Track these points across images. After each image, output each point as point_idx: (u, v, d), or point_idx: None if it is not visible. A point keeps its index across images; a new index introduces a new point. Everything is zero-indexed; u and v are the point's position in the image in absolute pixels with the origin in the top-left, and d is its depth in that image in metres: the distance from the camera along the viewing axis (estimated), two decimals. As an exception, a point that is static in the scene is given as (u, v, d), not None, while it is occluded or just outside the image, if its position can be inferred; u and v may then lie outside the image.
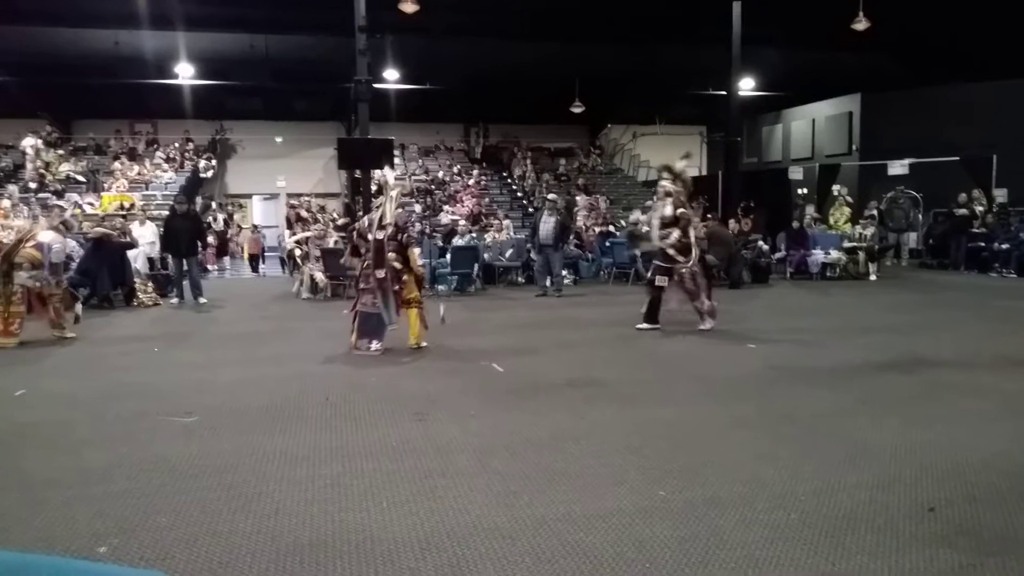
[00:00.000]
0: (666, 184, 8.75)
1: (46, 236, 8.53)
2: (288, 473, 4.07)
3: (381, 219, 7.38)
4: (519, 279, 14.57)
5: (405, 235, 7.57)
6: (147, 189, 20.43)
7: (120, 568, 2.23)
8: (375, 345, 7.33)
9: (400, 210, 7.50)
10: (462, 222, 16.39)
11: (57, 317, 8.40)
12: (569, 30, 19.62)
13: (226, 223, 20.43)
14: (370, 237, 7.36)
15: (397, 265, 7.28)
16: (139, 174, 21.18)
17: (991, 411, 5.19)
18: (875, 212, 16.90)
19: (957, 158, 17.79)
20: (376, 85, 18.04)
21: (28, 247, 8.32)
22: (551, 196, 14.00)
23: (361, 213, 17.37)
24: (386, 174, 8.08)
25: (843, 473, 3.99)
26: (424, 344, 7.64)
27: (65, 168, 20.36)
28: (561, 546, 3.15)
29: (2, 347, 7.90)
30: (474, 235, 15.22)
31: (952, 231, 16.20)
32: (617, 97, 25.25)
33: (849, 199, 17.47)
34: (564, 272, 13.34)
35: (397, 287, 7.31)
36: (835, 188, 18.05)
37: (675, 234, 8.48)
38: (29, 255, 8.27)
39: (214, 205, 20.61)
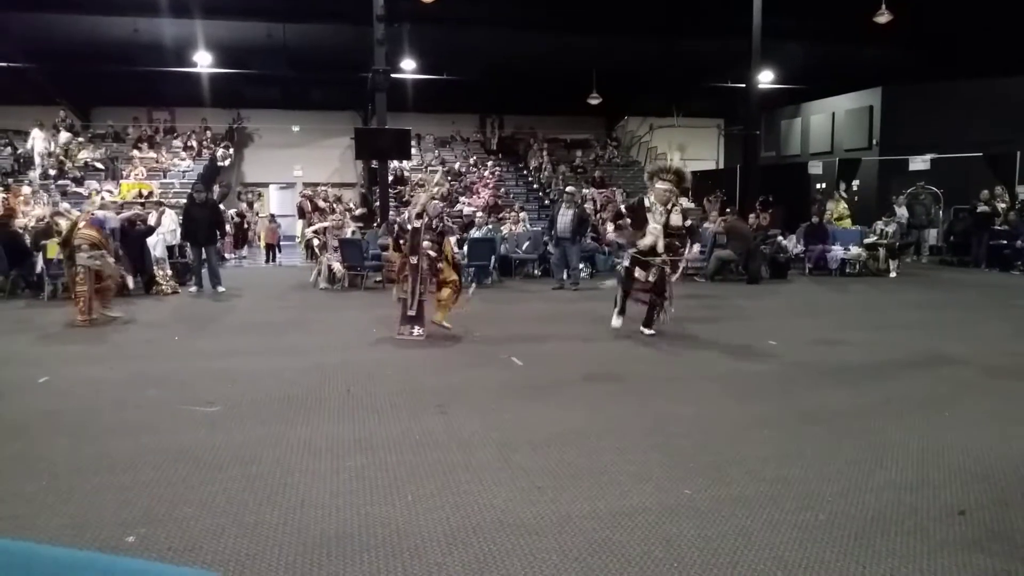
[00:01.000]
0: (668, 187, 7.90)
1: (100, 213, 9.10)
2: (312, 465, 4.07)
3: (418, 211, 7.73)
4: (535, 272, 14.54)
5: (441, 224, 7.91)
6: (165, 177, 20.52)
7: (174, 568, 2.23)
8: (417, 330, 7.68)
9: (434, 201, 7.96)
10: (479, 214, 16.38)
11: (105, 298, 8.82)
12: (587, 21, 19.50)
13: (241, 215, 20.44)
14: (408, 227, 7.73)
15: (432, 253, 7.59)
16: (157, 162, 21.27)
17: (1017, 413, 5.12)
18: (903, 208, 16.74)
19: (980, 154, 17.58)
20: (393, 75, 18.02)
21: (83, 228, 8.74)
22: (569, 189, 13.93)
23: (378, 203, 17.44)
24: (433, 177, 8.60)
25: (869, 474, 3.96)
26: (447, 325, 7.82)
27: (84, 155, 20.47)
28: (587, 544, 3.14)
29: (79, 324, 8.40)
30: (490, 227, 15.19)
31: (974, 228, 16.01)
32: (634, 89, 25.09)
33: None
34: (581, 265, 13.29)
35: (433, 275, 7.67)
36: (844, 185, 18.00)
37: (692, 248, 8.35)
38: (86, 235, 8.69)
39: (222, 205, 20.55)
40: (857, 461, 4.14)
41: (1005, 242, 15.16)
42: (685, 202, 8.65)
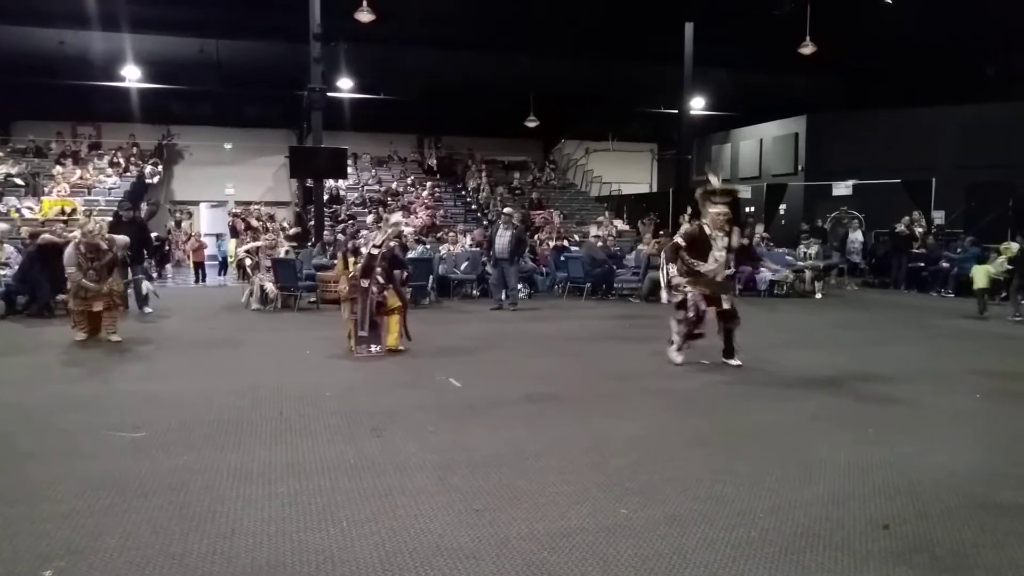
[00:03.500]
0: (722, 211, 7.42)
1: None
2: (243, 491, 3.96)
3: (378, 241, 8.13)
4: (474, 292, 14.54)
5: (394, 256, 8.39)
6: (89, 194, 19.83)
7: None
8: (375, 348, 8.00)
9: (395, 240, 8.61)
10: (411, 233, 16.28)
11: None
12: (524, 45, 19.79)
13: (169, 233, 19.89)
14: (363, 251, 8.18)
15: (381, 280, 7.95)
16: (81, 178, 20.56)
17: (937, 428, 5.35)
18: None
19: (898, 180, 18.41)
20: (329, 93, 17.89)
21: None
22: (507, 210, 14.01)
23: (313, 223, 17.22)
24: (392, 216, 9.66)
25: (799, 490, 4.06)
26: (402, 348, 8.16)
27: (2, 170, 19.63)
28: (525, 566, 3.13)
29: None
30: (428, 247, 15.14)
31: (893, 251, 16.70)
32: (571, 113, 25.53)
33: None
34: (519, 286, 13.35)
35: (380, 298, 8.00)
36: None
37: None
38: None
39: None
40: (787, 478, 4.24)
41: (923, 265, 15.85)
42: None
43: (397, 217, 10.01)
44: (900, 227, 16.43)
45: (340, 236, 16.31)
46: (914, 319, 11.80)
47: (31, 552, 3.19)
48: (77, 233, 9.05)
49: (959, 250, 15.10)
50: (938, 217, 18.06)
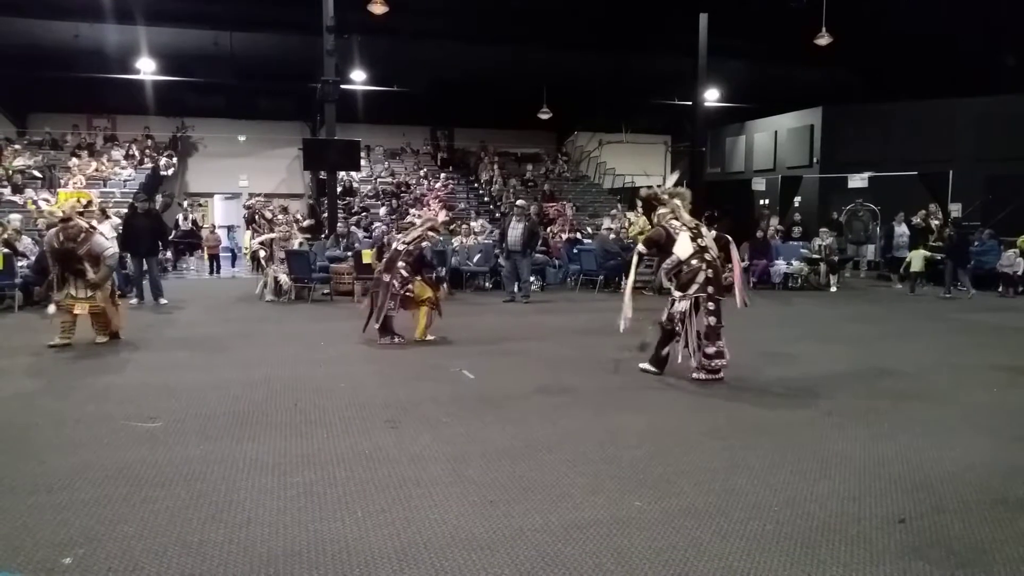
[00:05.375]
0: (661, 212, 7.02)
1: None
2: (259, 481, 3.99)
3: (410, 238, 8.31)
4: (487, 284, 14.55)
5: (421, 253, 8.45)
6: (105, 186, 19.94)
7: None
8: (396, 339, 8.23)
9: (431, 235, 8.69)
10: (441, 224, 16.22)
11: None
12: (538, 37, 19.71)
13: (195, 224, 19.96)
14: (394, 245, 8.34)
15: (404, 273, 8.09)
16: (97, 170, 20.69)
17: (952, 422, 5.31)
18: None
19: (915, 173, 18.24)
20: (343, 86, 17.90)
21: None
22: (520, 202, 13.99)
23: (327, 215, 17.27)
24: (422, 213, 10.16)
25: (814, 484, 4.05)
26: (430, 337, 8.35)
27: (19, 162, 19.77)
28: (540, 557, 3.13)
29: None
30: (441, 239, 15.13)
31: (909, 244, 16.53)
32: (584, 105, 25.41)
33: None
34: (532, 278, 13.34)
35: (407, 292, 8.16)
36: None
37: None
38: None
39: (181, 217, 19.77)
40: (802, 471, 4.23)
41: (939, 258, 15.67)
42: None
43: (430, 214, 10.18)
44: (916, 220, 16.29)
45: (354, 228, 16.34)
46: (929, 312, 11.71)
47: (51, 540, 3.23)
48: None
49: (977, 243, 14.95)
50: (955, 210, 17.87)
